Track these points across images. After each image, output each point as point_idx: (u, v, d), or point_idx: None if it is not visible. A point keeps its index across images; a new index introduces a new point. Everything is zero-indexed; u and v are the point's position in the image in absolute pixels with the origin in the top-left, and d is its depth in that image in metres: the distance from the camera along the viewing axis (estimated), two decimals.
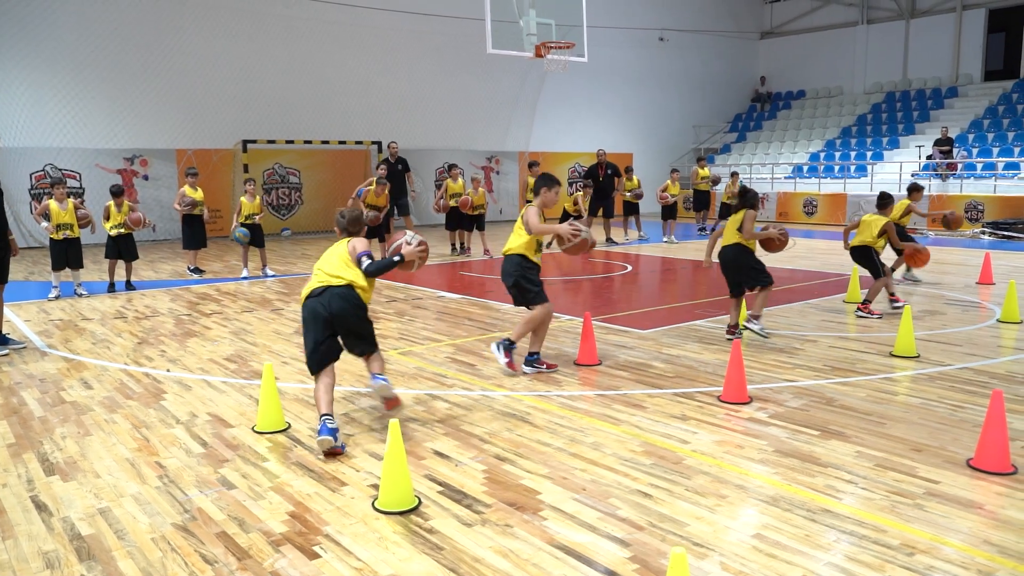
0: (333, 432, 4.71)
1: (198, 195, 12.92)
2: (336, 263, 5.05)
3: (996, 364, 6.85)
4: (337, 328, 4.99)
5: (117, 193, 11.36)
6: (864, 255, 9.06)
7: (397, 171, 15.72)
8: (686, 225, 21.33)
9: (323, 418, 4.76)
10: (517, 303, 6.73)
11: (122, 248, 11.32)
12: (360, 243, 5.13)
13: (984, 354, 7.20)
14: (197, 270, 13.21)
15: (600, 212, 17.39)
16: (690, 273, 12.93)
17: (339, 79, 20.95)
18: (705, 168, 20.31)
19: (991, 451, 4.47)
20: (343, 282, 4.96)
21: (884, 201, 9.14)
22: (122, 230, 11.27)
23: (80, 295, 10.92)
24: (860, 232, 9.06)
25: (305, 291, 5.05)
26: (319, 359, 4.94)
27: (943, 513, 3.95)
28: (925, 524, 3.83)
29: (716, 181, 20.69)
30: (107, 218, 11.24)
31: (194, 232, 13.12)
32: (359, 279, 4.99)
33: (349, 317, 4.95)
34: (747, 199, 7.63)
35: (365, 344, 5.15)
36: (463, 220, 15.57)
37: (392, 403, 5.37)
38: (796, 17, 30.52)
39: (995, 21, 26.04)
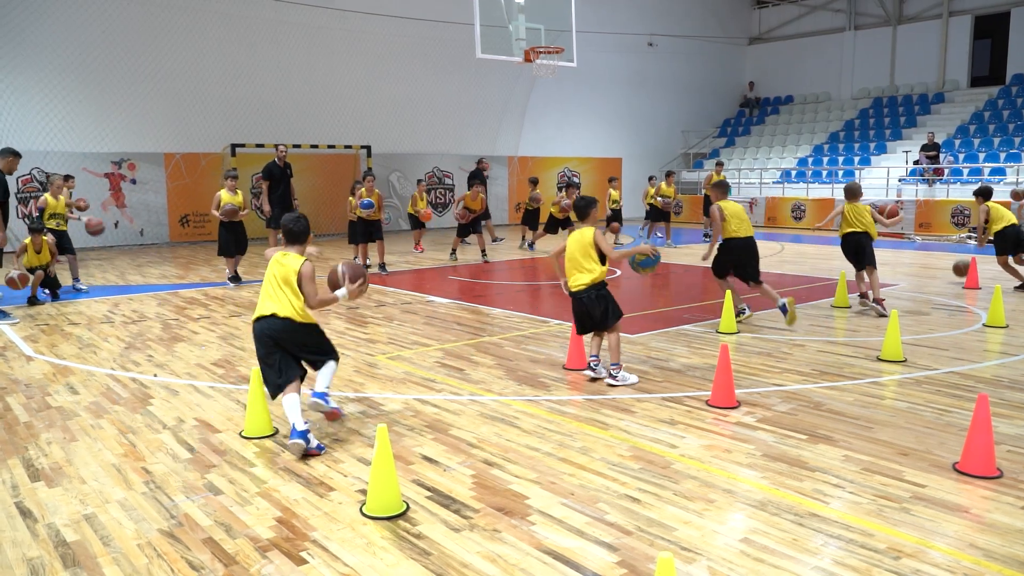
0: None
1: (237, 199, 12.09)
2: None
3: (982, 368, 6.89)
4: None
5: (37, 230, 10.69)
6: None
7: (286, 176, 14.68)
8: (693, 231, 21.32)
9: None
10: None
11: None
12: None
13: (970, 358, 7.24)
14: (236, 278, 12.36)
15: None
16: (679, 277, 12.96)
17: (328, 83, 20.92)
18: (721, 174, 19.85)
19: (977, 455, 4.50)
20: None
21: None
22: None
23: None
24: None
25: None
26: None
27: (929, 517, 3.97)
28: (912, 528, 3.85)
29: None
30: (22, 253, 10.55)
31: (236, 238, 12.18)
32: None
33: None
34: None
35: None
36: (466, 227, 15.62)
37: None
38: (784, 23, 30.69)
39: (981, 28, 26.25)
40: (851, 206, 9.43)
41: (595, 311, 6.37)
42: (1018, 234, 10.99)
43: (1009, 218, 11.02)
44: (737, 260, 8.73)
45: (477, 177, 18.06)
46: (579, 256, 6.39)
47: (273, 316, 5.05)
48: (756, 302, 9.59)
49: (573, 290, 6.46)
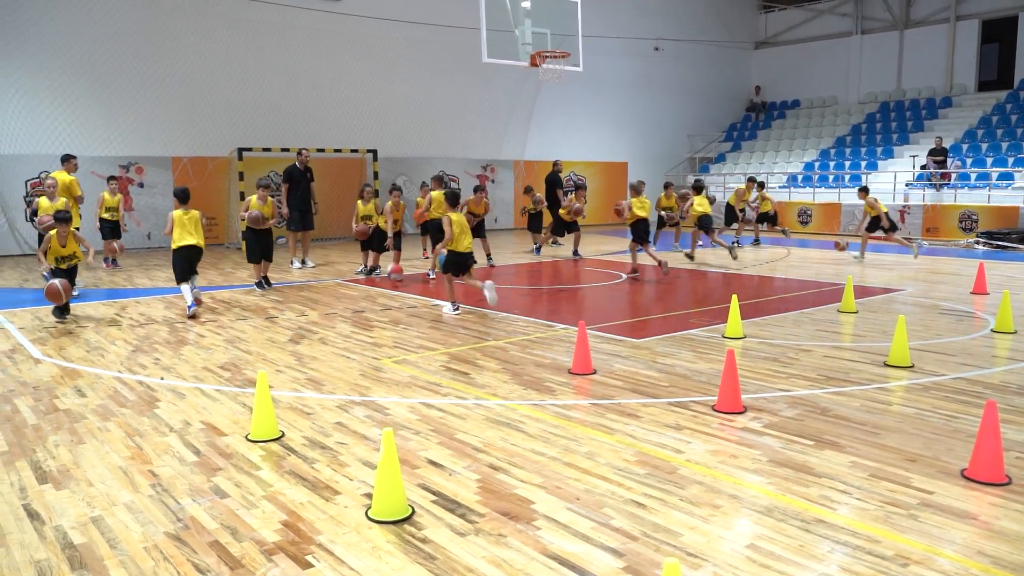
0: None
1: (267, 208, 12.04)
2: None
3: (990, 374, 6.87)
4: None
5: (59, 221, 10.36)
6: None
7: (306, 179, 14.83)
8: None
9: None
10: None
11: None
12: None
13: (978, 364, 7.22)
14: (263, 283, 12.34)
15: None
16: (684, 282, 12.94)
17: (335, 87, 20.97)
18: (752, 190, 18.91)
19: (985, 461, 4.48)
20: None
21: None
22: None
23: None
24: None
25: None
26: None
27: (937, 524, 3.95)
28: (919, 535, 3.83)
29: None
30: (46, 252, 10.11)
31: (262, 246, 12.16)
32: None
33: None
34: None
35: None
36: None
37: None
38: (790, 27, 30.66)
39: (988, 32, 26.18)
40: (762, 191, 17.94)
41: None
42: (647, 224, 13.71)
43: (647, 208, 13.63)
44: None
45: (556, 182, 18.12)
46: (466, 230, 10.16)
47: (195, 246, 9.93)
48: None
49: (466, 251, 10.10)
